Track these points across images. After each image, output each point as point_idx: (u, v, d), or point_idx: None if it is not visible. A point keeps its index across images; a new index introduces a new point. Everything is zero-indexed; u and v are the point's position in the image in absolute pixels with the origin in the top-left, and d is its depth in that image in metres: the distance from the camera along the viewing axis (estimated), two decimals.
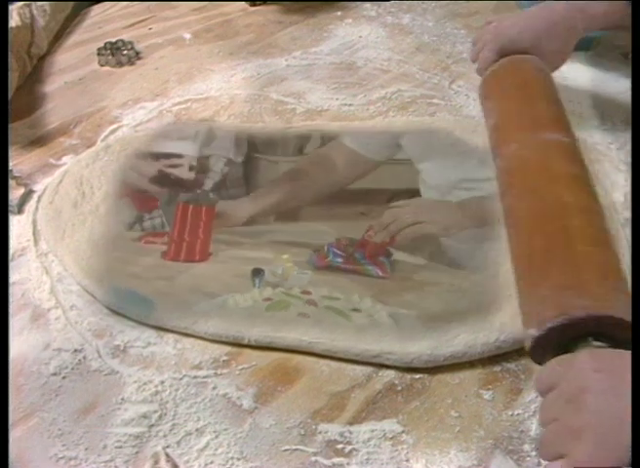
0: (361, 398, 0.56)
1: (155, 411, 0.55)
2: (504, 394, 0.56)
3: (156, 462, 0.52)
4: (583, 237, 0.54)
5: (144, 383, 0.57)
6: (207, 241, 0.68)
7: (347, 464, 0.52)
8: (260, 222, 0.71)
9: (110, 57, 0.95)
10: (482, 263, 0.64)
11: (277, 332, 0.59)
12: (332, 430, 0.54)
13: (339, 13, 1.06)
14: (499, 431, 0.53)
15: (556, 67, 0.77)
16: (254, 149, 0.78)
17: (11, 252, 0.67)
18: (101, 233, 0.68)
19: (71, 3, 1.06)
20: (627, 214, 0.69)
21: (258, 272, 0.64)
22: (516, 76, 0.73)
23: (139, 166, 0.75)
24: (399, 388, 0.57)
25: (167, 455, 0.52)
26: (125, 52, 0.95)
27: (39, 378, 0.57)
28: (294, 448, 0.53)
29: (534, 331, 0.50)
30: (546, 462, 0.46)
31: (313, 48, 0.98)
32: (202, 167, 0.75)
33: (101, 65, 0.95)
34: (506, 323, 0.58)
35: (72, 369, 0.58)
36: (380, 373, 0.58)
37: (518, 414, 0.54)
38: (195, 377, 0.57)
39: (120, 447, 0.53)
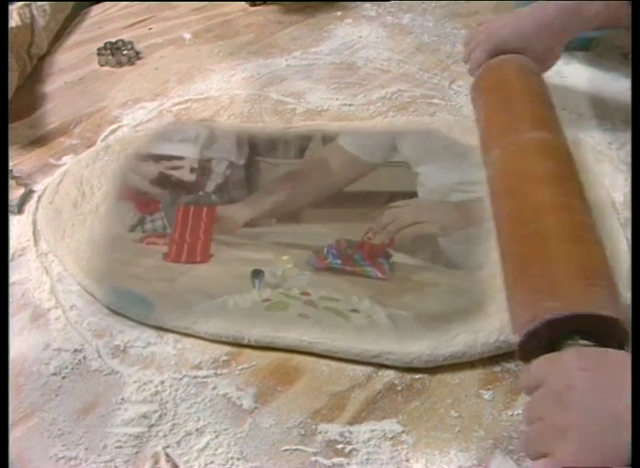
0: (361, 398, 0.56)
1: (155, 411, 0.55)
2: (504, 394, 0.56)
3: (156, 462, 0.52)
4: (558, 237, 0.55)
5: (144, 383, 0.57)
6: (208, 242, 0.68)
7: (347, 464, 0.52)
8: (260, 225, 0.71)
9: (110, 57, 0.95)
10: (481, 263, 0.64)
11: (277, 332, 0.59)
12: (332, 430, 0.54)
13: (339, 13, 1.06)
14: (499, 431, 0.53)
15: (548, 67, 0.77)
16: (255, 152, 0.79)
17: (11, 252, 0.67)
18: (102, 233, 0.68)
19: (71, 3, 1.06)
20: (627, 214, 0.69)
21: (257, 273, 0.64)
22: (499, 78, 0.74)
23: (140, 168, 0.75)
24: (399, 388, 0.57)
25: (167, 455, 0.52)
26: (125, 52, 0.95)
27: (39, 378, 0.57)
28: (294, 448, 0.53)
29: (516, 338, 0.51)
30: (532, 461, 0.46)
31: (313, 48, 0.98)
32: (203, 169, 0.75)
33: (101, 65, 0.95)
34: (506, 323, 0.58)
35: (72, 369, 0.58)
36: (379, 373, 0.58)
37: (518, 414, 0.54)
38: (195, 377, 0.57)
39: (120, 447, 0.53)
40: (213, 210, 0.71)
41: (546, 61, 0.76)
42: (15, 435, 0.53)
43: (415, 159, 0.75)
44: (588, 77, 0.89)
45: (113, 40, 0.97)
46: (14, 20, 0.89)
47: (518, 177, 0.61)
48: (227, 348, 0.60)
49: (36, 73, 0.93)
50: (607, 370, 0.45)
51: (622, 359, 0.46)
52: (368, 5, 1.07)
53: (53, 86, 0.91)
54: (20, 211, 0.72)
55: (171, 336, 0.61)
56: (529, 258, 0.55)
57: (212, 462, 0.52)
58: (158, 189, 0.74)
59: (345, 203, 0.73)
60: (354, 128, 0.82)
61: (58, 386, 0.57)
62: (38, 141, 0.82)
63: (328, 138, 0.79)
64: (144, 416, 0.54)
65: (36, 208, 0.72)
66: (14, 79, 0.86)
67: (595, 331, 0.48)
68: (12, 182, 0.74)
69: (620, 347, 0.49)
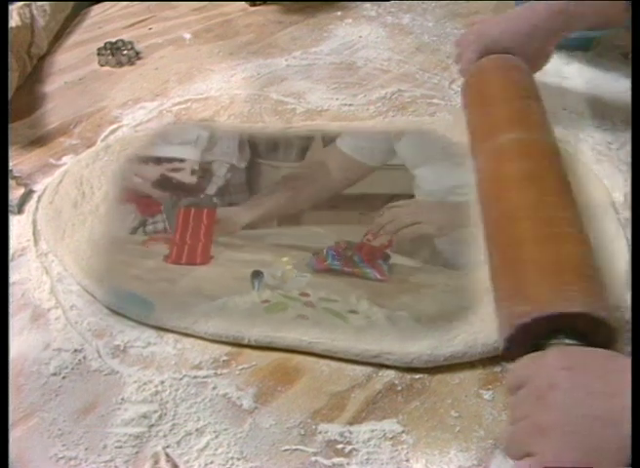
0: (361, 398, 0.56)
1: (155, 411, 0.55)
2: (504, 394, 0.56)
3: (156, 462, 0.52)
4: (529, 240, 0.55)
5: (144, 383, 0.57)
6: (208, 244, 0.68)
7: (347, 464, 0.52)
8: (260, 227, 0.71)
9: (110, 57, 0.95)
10: (478, 263, 0.64)
11: (277, 332, 0.59)
12: (332, 430, 0.54)
13: (339, 13, 1.05)
14: (499, 431, 0.53)
15: (539, 67, 0.78)
16: (256, 154, 0.79)
17: (11, 252, 0.67)
18: (102, 233, 0.68)
19: (71, 3, 1.06)
20: (627, 214, 0.69)
21: (257, 275, 0.64)
22: (482, 80, 0.74)
23: (141, 170, 0.76)
24: (399, 388, 0.57)
25: (167, 455, 0.52)
26: (125, 52, 0.95)
27: (39, 378, 0.57)
28: (294, 448, 0.53)
29: (499, 345, 0.52)
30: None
31: (313, 48, 0.98)
32: (204, 171, 0.76)
33: (101, 65, 0.95)
34: None
35: (72, 369, 0.58)
36: (379, 373, 0.58)
37: None
38: (195, 377, 0.57)
39: (120, 447, 0.53)
40: (213, 212, 0.71)
41: (538, 61, 0.77)
42: (15, 435, 0.53)
43: (412, 162, 0.76)
44: (588, 77, 0.89)
45: (113, 40, 0.97)
46: (14, 20, 0.89)
47: (494, 183, 0.63)
48: (227, 348, 0.60)
49: (36, 73, 0.93)
50: (591, 370, 0.45)
51: (607, 358, 0.46)
52: (368, 5, 1.06)
53: (53, 86, 0.91)
54: (19, 211, 0.72)
55: (171, 336, 0.61)
56: (504, 265, 0.56)
57: (212, 462, 0.52)
58: (159, 191, 0.74)
59: (345, 205, 0.73)
60: (354, 128, 0.82)
61: (58, 386, 0.57)
62: (38, 141, 0.82)
63: (328, 140, 0.79)
64: (144, 416, 0.54)
65: (36, 208, 0.72)
66: (14, 79, 0.86)
67: (581, 329, 0.49)
68: (12, 182, 0.74)
69: (607, 345, 0.49)
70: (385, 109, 0.86)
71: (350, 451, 0.52)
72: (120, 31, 1.02)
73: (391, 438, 0.53)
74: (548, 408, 0.43)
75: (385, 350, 0.57)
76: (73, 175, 0.75)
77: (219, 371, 0.58)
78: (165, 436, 0.53)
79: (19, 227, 0.71)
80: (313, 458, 0.52)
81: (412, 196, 0.72)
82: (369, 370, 0.58)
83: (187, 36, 1.01)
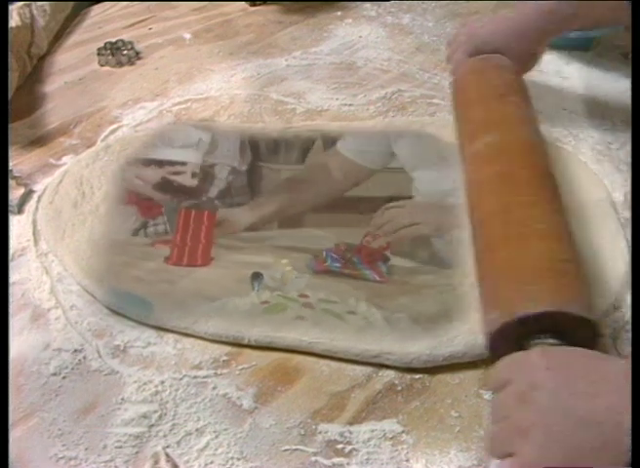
0: (361, 398, 0.56)
1: (155, 411, 0.55)
2: None
3: (156, 462, 0.52)
4: (497, 244, 0.56)
5: (144, 383, 0.57)
6: (209, 246, 0.68)
7: (347, 464, 0.52)
8: (261, 229, 0.71)
9: (110, 57, 0.95)
10: None
11: (277, 332, 0.59)
12: (332, 430, 0.54)
13: (339, 13, 1.05)
14: None
15: (529, 68, 0.78)
16: (257, 157, 0.79)
17: (11, 252, 0.67)
18: (102, 234, 0.68)
19: (71, 3, 1.06)
20: (627, 214, 0.69)
21: (257, 276, 0.64)
22: (462, 82, 0.75)
23: (142, 172, 0.76)
24: (399, 388, 0.57)
25: (167, 455, 0.52)
26: (125, 52, 0.95)
27: (39, 378, 0.57)
28: (294, 448, 0.53)
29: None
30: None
31: (313, 48, 0.98)
32: (205, 174, 0.76)
33: (101, 65, 0.95)
34: None
35: (72, 369, 0.58)
36: (379, 373, 0.58)
37: None
38: (195, 377, 0.57)
39: (120, 447, 0.53)
40: (214, 213, 0.71)
41: (528, 62, 0.77)
42: (15, 435, 0.53)
43: (410, 164, 0.76)
44: (588, 77, 0.89)
45: (113, 40, 0.97)
46: (14, 20, 0.89)
47: (471, 189, 0.63)
48: (227, 348, 0.60)
49: (36, 73, 0.93)
50: (573, 369, 0.45)
51: (590, 357, 0.46)
52: (368, 5, 1.06)
53: (53, 86, 0.91)
54: (20, 211, 0.72)
55: (171, 336, 0.61)
56: (480, 272, 0.56)
57: (212, 462, 0.52)
58: (160, 194, 0.74)
59: (345, 208, 0.73)
60: (354, 128, 0.82)
61: (58, 386, 0.57)
62: (38, 141, 0.82)
63: (329, 143, 0.79)
64: (144, 416, 0.54)
65: (36, 208, 0.72)
66: (14, 79, 0.86)
67: (561, 328, 0.48)
68: (12, 182, 0.74)
69: (591, 342, 0.49)
70: (385, 109, 0.86)
71: (350, 451, 0.53)
72: (120, 31, 1.02)
73: (391, 438, 0.53)
74: (530, 408, 0.43)
75: (385, 350, 0.57)
76: (73, 174, 0.75)
77: (219, 371, 0.58)
78: (165, 436, 0.53)
79: (19, 227, 0.71)
80: (313, 458, 0.52)
81: (410, 198, 0.72)
82: (369, 370, 0.58)
83: (187, 36, 1.01)
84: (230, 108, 0.86)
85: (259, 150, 0.80)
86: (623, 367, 0.43)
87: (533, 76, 0.81)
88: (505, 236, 0.56)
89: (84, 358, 0.59)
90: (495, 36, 0.75)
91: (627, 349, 0.58)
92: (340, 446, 0.53)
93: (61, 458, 0.52)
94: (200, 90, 0.90)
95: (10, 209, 0.72)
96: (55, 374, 0.58)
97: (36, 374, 0.58)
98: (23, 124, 0.84)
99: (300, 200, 0.74)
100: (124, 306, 0.62)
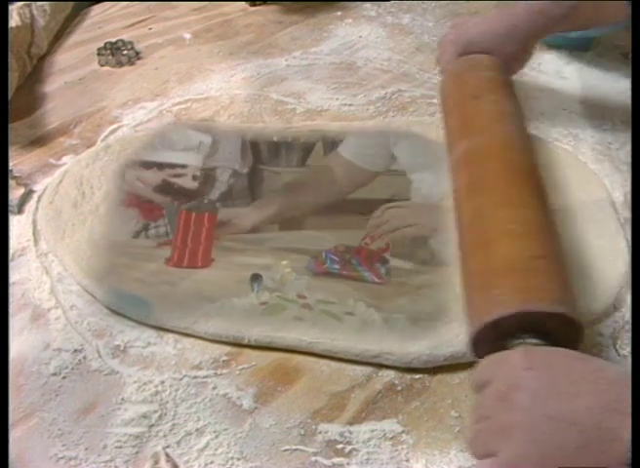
0: (361, 398, 0.56)
1: (155, 411, 0.55)
2: None
3: (156, 462, 0.52)
4: (470, 251, 0.56)
5: (144, 383, 0.57)
6: (209, 247, 0.68)
7: (347, 464, 0.52)
8: (262, 231, 0.71)
9: (110, 57, 0.95)
10: None
11: (277, 332, 0.59)
12: (332, 430, 0.54)
13: (339, 13, 1.05)
14: None
15: (519, 68, 0.77)
16: (258, 160, 0.79)
17: (11, 252, 0.67)
18: (102, 234, 0.68)
19: (71, 3, 1.06)
20: (627, 214, 0.69)
21: (256, 277, 0.64)
22: (444, 85, 0.75)
23: (143, 175, 0.76)
24: (399, 388, 0.57)
25: (167, 455, 0.52)
26: (125, 52, 0.95)
27: (39, 378, 0.57)
28: (294, 448, 0.53)
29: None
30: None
31: (313, 48, 0.98)
32: (206, 177, 0.76)
33: (101, 65, 0.95)
34: None
35: (72, 369, 0.58)
36: (379, 373, 0.58)
37: None
38: (195, 377, 0.57)
39: (120, 447, 0.53)
40: (214, 215, 0.72)
41: (517, 62, 0.76)
42: (15, 435, 0.53)
43: (409, 167, 0.76)
44: (588, 77, 0.89)
45: (113, 40, 0.97)
46: (14, 20, 0.89)
47: (454, 200, 0.63)
48: (227, 348, 0.60)
49: (36, 73, 0.93)
50: (554, 370, 0.44)
51: (572, 357, 0.46)
52: (368, 5, 1.06)
53: (53, 86, 0.91)
54: (20, 211, 0.72)
55: (171, 336, 0.61)
56: (461, 279, 0.56)
57: (212, 462, 0.52)
58: (161, 196, 0.74)
59: (345, 210, 0.73)
60: (354, 128, 0.82)
61: (58, 386, 0.57)
62: (38, 141, 0.82)
63: (329, 145, 0.79)
64: (144, 416, 0.55)
65: (36, 208, 0.72)
66: (14, 79, 0.86)
67: (541, 327, 0.48)
68: (12, 182, 0.74)
69: (575, 340, 0.49)
70: (385, 109, 0.86)
71: (350, 451, 0.53)
72: (120, 31, 1.02)
73: (391, 438, 0.53)
74: (511, 408, 0.43)
75: (385, 350, 0.57)
76: (73, 175, 0.75)
77: (219, 371, 0.58)
78: (165, 436, 0.53)
79: (19, 227, 0.71)
80: (313, 458, 0.52)
81: (408, 200, 0.72)
82: (369, 370, 0.58)
83: (187, 36, 1.01)
84: (230, 108, 0.86)
85: (259, 153, 0.80)
86: (604, 366, 0.44)
87: (533, 76, 0.81)
88: (476, 243, 0.55)
89: (84, 358, 0.59)
90: (483, 36, 0.74)
91: (627, 349, 0.58)
92: (339, 446, 0.53)
93: (61, 458, 0.52)
94: (200, 90, 0.90)
95: (10, 209, 0.72)
96: (55, 374, 0.58)
97: (36, 374, 0.58)
98: (23, 124, 0.84)
99: (302, 202, 0.74)
100: (124, 306, 0.62)
